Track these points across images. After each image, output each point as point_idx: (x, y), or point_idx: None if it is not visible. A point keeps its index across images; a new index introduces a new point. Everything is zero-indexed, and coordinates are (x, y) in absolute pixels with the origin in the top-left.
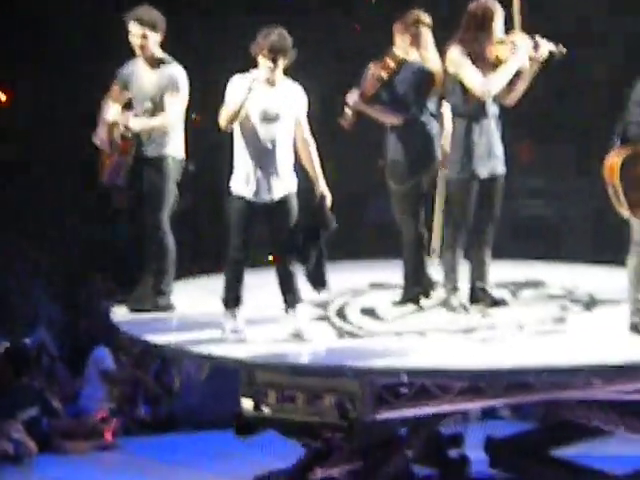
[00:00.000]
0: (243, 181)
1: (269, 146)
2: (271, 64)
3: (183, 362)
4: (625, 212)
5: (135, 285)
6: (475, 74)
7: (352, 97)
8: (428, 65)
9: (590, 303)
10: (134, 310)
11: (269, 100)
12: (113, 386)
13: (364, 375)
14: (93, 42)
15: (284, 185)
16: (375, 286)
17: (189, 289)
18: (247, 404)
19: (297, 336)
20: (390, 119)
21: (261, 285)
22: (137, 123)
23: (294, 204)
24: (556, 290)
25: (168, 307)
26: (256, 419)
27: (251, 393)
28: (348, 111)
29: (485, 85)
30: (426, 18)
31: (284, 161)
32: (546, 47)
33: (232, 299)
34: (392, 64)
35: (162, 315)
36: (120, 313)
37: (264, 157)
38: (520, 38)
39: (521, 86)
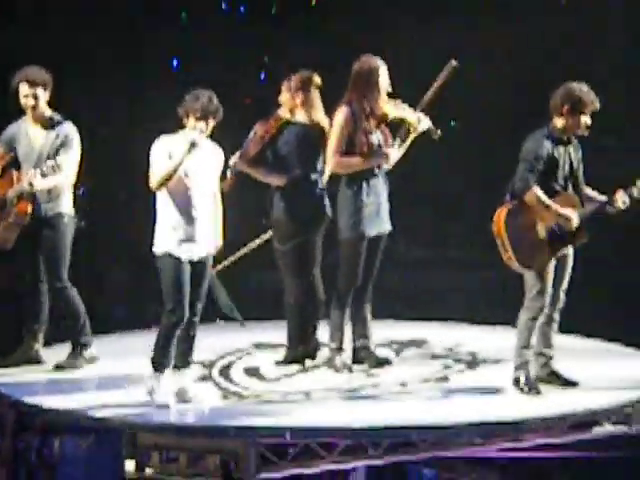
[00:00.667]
0: (172, 239)
1: (195, 202)
2: (203, 126)
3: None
4: (512, 264)
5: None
6: (334, 147)
7: (234, 158)
8: (315, 125)
9: (472, 362)
10: (57, 368)
11: (195, 160)
12: None
13: (247, 435)
14: None
15: (207, 243)
16: (259, 346)
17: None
18: (130, 466)
19: (181, 396)
20: (273, 180)
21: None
22: (40, 182)
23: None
24: (439, 349)
25: (94, 359)
26: None
27: (134, 454)
28: (229, 173)
29: (333, 166)
30: (317, 78)
31: (207, 219)
32: (426, 123)
33: (164, 362)
34: (275, 125)
35: (35, 377)
36: None
37: (195, 214)
38: (408, 108)
39: (400, 152)
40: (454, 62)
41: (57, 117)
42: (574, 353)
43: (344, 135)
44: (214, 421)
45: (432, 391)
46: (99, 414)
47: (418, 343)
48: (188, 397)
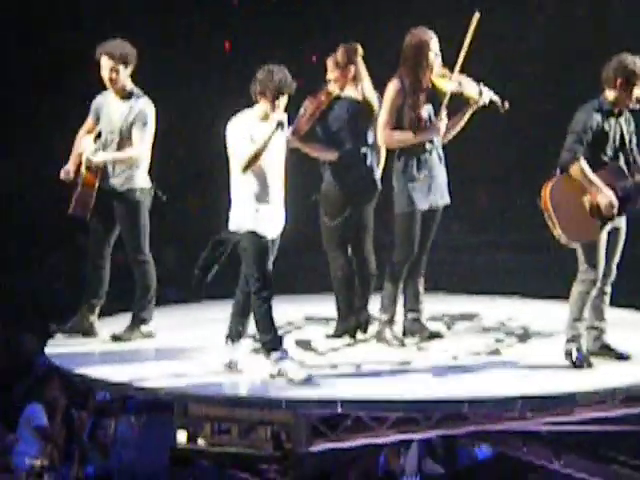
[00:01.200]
0: (253, 217)
1: (271, 181)
2: (278, 102)
3: (118, 416)
4: (561, 238)
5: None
6: (385, 121)
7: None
8: (365, 100)
9: (524, 335)
10: (115, 339)
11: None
12: (46, 442)
13: (299, 406)
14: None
15: (282, 220)
16: (310, 319)
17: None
18: (182, 436)
19: (232, 368)
20: (325, 155)
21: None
22: (100, 156)
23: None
24: (491, 323)
25: (150, 334)
26: (191, 451)
27: (185, 425)
28: None
29: (382, 139)
30: (360, 49)
31: (281, 196)
32: (488, 96)
33: (275, 339)
34: (326, 101)
35: (96, 348)
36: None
37: (271, 192)
38: (466, 80)
39: (457, 125)
40: (477, 14)
41: (136, 91)
42: (627, 326)
43: (394, 109)
44: (266, 393)
45: (483, 364)
46: (150, 385)
47: (470, 317)
48: (239, 369)
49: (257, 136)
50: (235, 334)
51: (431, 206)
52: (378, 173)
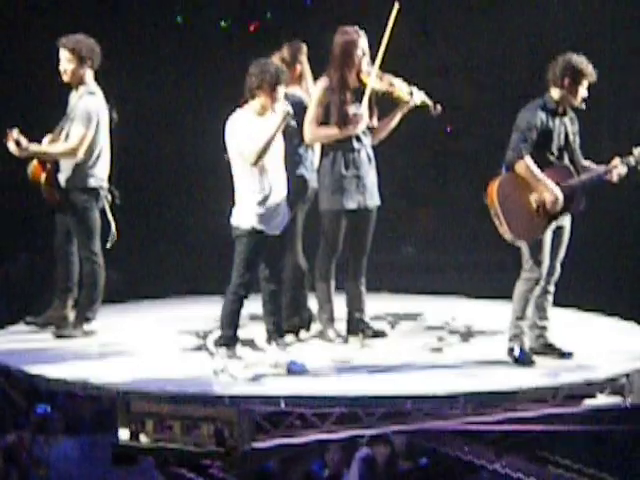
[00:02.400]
0: (255, 214)
1: (277, 175)
2: (276, 93)
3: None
4: (506, 235)
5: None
6: (311, 117)
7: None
8: (306, 96)
9: (467, 334)
10: (58, 337)
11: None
12: None
13: (242, 403)
14: None
15: (286, 215)
16: (254, 318)
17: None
18: (124, 434)
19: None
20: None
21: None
22: (31, 145)
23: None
24: (434, 322)
25: (92, 333)
26: (133, 449)
27: (128, 423)
28: None
29: (308, 135)
30: (304, 48)
31: (283, 190)
32: (420, 97)
33: (233, 337)
34: None
35: (38, 345)
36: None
37: (273, 187)
38: (397, 81)
39: (388, 127)
40: (397, 5)
41: (91, 87)
42: (569, 326)
43: (320, 106)
44: (209, 389)
45: (426, 362)
46: (93, 382)
47: (413, 316)
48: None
49: (258, 130)
50: (274, 332)
51: (359, 206)
52: (313, 173)
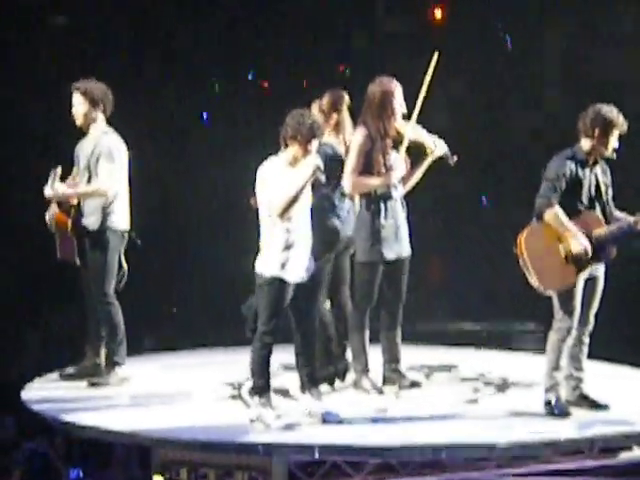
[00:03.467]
0: (278, 262)
1: (302, 225)
2: (310, 146)
3: None
4: (536, 285)
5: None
6: (352, 167)
7: None
8: (344, 146)
9: (503, 385)
10: (92, 385)
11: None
12: None
13: (276, 452)
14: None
15: (311, 263)
16: (287, 367)
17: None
18: None
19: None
20: None
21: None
22: (60, 188)
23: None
24: (469, 373)
25: (124, 380)
26: None
27: (162, 470)
28: None
29: (349, 185)
30: (347, 97)
31: (309, 239)
32: (442, 148)
33: (266, 385)
34: None
35: (71, 394)
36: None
37: (297, 236)
38: (423, 131)
39: (415, 176)
40: (436, 53)
41: (106, 129)
42: (605, 378)
43: (361, 155)
44: (242, 438)
45: (462, 412)
46: (127, 430)
47: (448, 367)
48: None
49: (288, 182)
50: (308, 383)
51: (397, 256)
52: (348, 224)
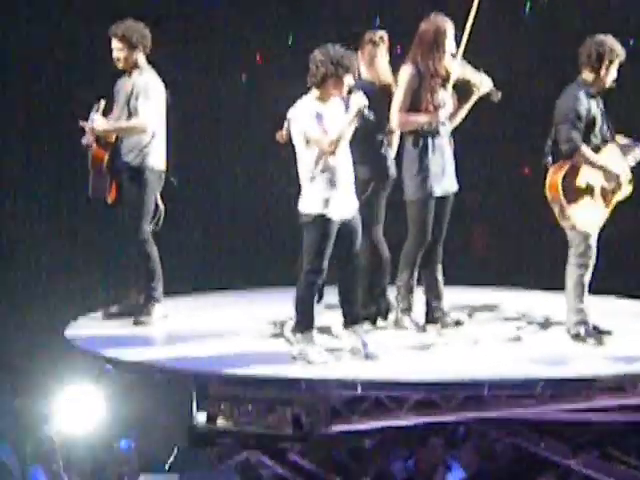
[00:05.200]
0: (321, 200)
1: (343, 162)
2: (342, 84)
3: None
4: (571, 226)
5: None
6: (400, 104)
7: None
8: (381, 84)
9: (546, 324)
10: (136, 323)
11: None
12: None
13: (318, 387)
14: None
15: (354, 201)
16: (330, 307)
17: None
18: (200, 417)
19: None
20: None
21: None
22: (101, 124)
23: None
24: (512, 313)
25: (164, 317)
26: (210, 431)
27: (205, 405)
28: (287, 124)
29: (397, 122)
30: (380, 35)
31: (352, 176)
32: (488, 85)
33: (309, 323)
34: None
35: (127, 331)
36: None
37: (340, 174)
38: (468, 67)
39: (462, 113)
40: None
41: (144, 67)
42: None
43: (409, 93)
44: (285, 374)
45: (504, 349)
46: (169, 365)
47: (491, 307)
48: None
49: (326, 119)
50: (350, 320)
51: (444, 191)
52: (391, 160)
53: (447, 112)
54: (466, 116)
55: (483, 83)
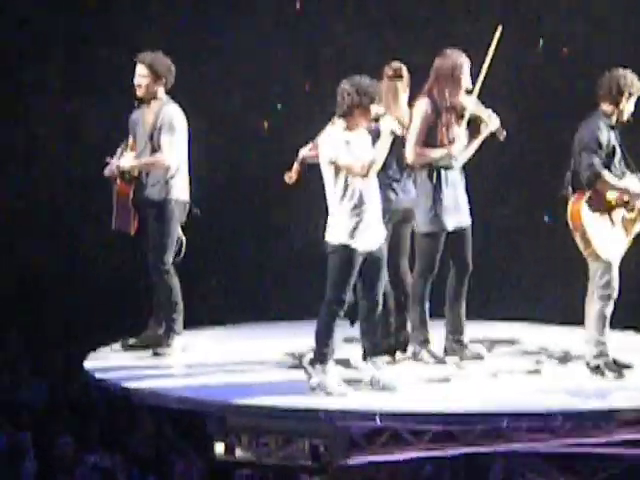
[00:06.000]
0: (347, 230)
1: (371, 193)
2: (369, 113)
3: None
4: (594, 256)
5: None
6: (416, 139)
7: (305, 151)
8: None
9: (565, 358)
10: (155, 355)
11: (368, 147)
12: None
13: (337, 419)
14: None
15: (381, 232)
16: (349, 340)
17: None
18: (220, 447)
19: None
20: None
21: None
22: (127, 161)
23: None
24: (531, 347)
25: (185, 349)
26: (229, 462)
27: (223, 437)
28: (296, 166)
29: (412, 156)
30: (402, 71)
31: (379, 207)
32: (496, 122)
33: (329, 353)
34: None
35: (146, 362)
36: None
37: (369, 206)
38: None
39: (471, 149)
40: (500, 27)
41: (165, 99)
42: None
43: (425, 127)
44: (304, 405)
45: (524, 382)
46: (189, 396)
47: (510, 341)
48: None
49: (355, 145)
50: (370, 351)
51: (457, 226)
52: (405, 194)
53: (461, 147)
54: (475, 152)
55: (492, 120)
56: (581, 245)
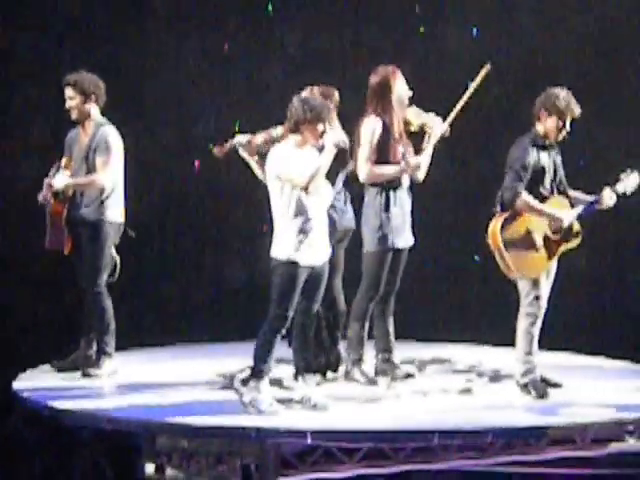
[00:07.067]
0: (292, 245)
1: (316, 209)
2: (318, 131)
3: None
4: (512, 274)
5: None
6: (367, 156)
7: (240, 139)
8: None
9: (496, 377)
10: (85, 375)
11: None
12: None
13: (268, 437)
14: None
15: (326, 249)
16: (280, 360)
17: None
18: (150, 468)
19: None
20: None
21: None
22: (60, 181)
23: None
24: (462, 366)
25: (115, 372)
26: None
27: (154, 457)
28: (227, 145)
29: (365, 174)
30: (336, 95)
31: (325, 223)
32: (444, 126)
33: (265, 371)
34: None
35: (77, 383)
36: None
37: (315, 223)
38: (427, 115)
39: (424, 161)
40: (488, 65)
41: (101, 120)
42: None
43: (375, 144)
44: (235, 424)
45: (454, 402)
46: (118, 416)
47: (441, 361)
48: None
49: (302, 160)
50: (302, 369)
51: (404, 244)
52: (350, 213)
53: (415, 163)
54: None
55: (436, 124)
56: (500, 264)
